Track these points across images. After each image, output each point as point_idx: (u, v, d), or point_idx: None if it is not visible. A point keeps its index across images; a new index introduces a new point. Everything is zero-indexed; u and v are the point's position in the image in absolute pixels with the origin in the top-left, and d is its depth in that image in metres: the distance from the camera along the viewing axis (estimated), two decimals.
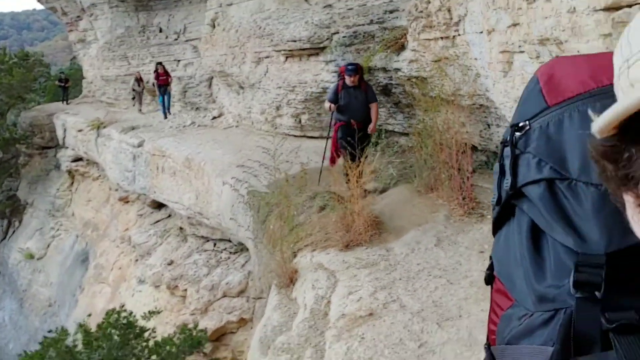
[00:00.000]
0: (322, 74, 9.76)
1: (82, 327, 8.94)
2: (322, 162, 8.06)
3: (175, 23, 20.36)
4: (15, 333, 19.69)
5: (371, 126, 7.55)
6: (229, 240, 12.14)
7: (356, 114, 7.35)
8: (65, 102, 24.48)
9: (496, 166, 0.83)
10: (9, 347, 19.70)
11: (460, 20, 6.24)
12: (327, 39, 9.61)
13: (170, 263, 13.09)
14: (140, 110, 18.38)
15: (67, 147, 21.26)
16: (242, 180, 9.20)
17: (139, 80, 18.27)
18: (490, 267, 0.88)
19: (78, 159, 20.83)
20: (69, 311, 17.64)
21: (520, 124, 0.78)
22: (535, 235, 0.75)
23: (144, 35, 20.71)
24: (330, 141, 7.92)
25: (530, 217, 0.76)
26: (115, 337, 8.86)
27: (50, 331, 10.22)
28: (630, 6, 3.07)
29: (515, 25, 4.52)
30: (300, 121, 10.53)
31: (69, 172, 21.52)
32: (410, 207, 6.18)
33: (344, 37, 9.27)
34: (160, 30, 20.84)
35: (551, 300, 0.70)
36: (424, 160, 6.60)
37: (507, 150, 0.79)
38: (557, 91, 0.76)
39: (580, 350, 0.65)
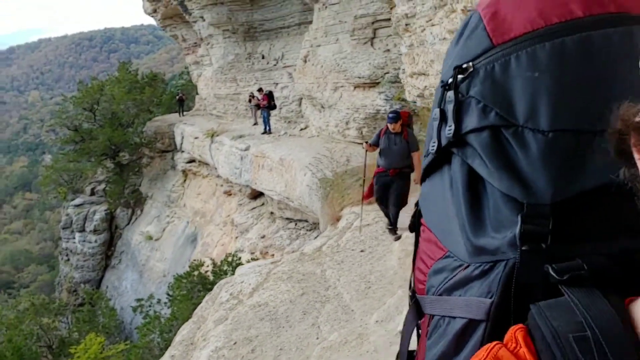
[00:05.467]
0: (377, 100, 14.78)
1: (212, 261, 14.40)
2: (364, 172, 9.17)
3: (275, 51, 25.91)
4: (135, 297, 25.77)
5: (415, 177, 7.86)
6: (306, 221, 17.25)
7: (394, 161, 7.71)
8: (181, 114, 30.85)
9: (435, 111, 0.81)
10: (130, 308, 25.89)
11: None
12: (381, 76, 14.63)
13: (263, 237, 18.44)
14: (256, 123, 23.06)
15: (183, 151, 27.40)
16: (317, 170, 14.33)
17: (251, 98, 23.47)
18: (415, 215, 0.90)
19: (191, 161, 26.89)
20: None
21: (464, 66, 0.75)
22: (473, 185, 0.74)
23: (250, 61, 26.44)
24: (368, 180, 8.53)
25: (468, 167, 0.75)
26: (230, 272, 14.17)
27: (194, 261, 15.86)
28: None
29: None
30: (361, 132, 15.52)
31: (183, 171, 27.67)
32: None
33: (391, 76, 14.23)
34: (263, 57, 26.47)
35: (491, 253, 0.69)
36: None
37: (450, 94, 0.77)
38: (502, 29, 0.72)
39: (520, 302, 0.66)
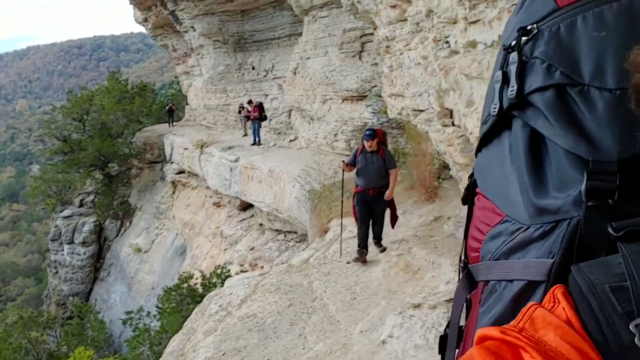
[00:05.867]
0: (364, 113, 15.05)
1: (202, 274, 14.56)
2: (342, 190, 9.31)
3: (265, 62, 26.17)
4: (124, 310, 25.79)
5: (387, 192, 7.83)
6: (295, 232, 17.45)
7: (372, 180, 7.75)
8: (171, 124, 31.01)
9: (497, 74, 0.82)
10: (119, 321, 25.90)
11: None
12: (369, 90, 14.91)
13: (252, 249, 18.62)
14: (246, 134, 23.28)
15: (172, 162, 27.56)
16: (305, 183, 14.55)
17: (241, 109, 23.72)
18: (469, 187, 0.92)
19: (181, 172, 27.05)
20: None
21: (528, 27, 0.76)
22: (535, 147, 0.75)
23: (240, 72, 26.68)
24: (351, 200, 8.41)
25: (529, 129, 0.76)
26: (219, 284, 14.33)
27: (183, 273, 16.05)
28: None
29: None
30: (350, 145, 15.77)
31: (173, 182, 27.82)
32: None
33: (378, 89, 14.51)
34: (253, 68, 26.72)
35: (553, 212, 0.70)
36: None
37: (513, 56, 0.78)
38: None
39: (582, 262, 0.65)
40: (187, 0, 25.24)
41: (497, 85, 0.81)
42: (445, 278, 6.16)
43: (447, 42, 5.70)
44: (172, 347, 7.42)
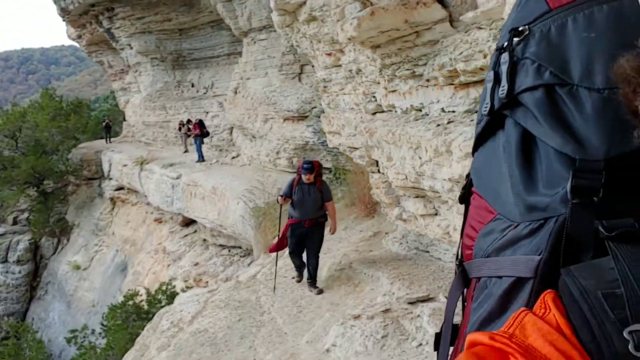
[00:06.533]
0: (305, 133, 15.80)
1: (147, 290, 14.90)
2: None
3: (205, 80, 26.58)
4: (64, 329, 25.54)
5: (332, 227, 8.09)
6: (240, 247, 17.98)
7: (308, 212, 7.78)
8: (108, 140, 30.92)
9: (489, 74, 0.84)
10: (58, 339, 25.63)
11: None
12: (309, 110, 15.67)
13: (196, 264, 19.01)
14: (187, 150, 23.70)
15: (111, 179, 27.55)
16: (249, 201, 15.14)
17: (181, 126, 24.12)
18: (465, 186, 0.95)
19: (120, 188, 27.07)
20: None
21: (520, 28, 0.79)
22: (526, 146, 0.77)
23: (179, 89, 27.00)
24: (281, 232, 8.26)
25: (521, 128, 0.78)
26: (164, 300, 14.71)
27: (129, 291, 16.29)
28: None
29: None
30: (292, 162, 16.47)
31: (111, 199, 27.78)
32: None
33: (318, 110, 15.29)
34: (192, 85, 27.09)
35: (542, 209, 0.72)
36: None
37: (505, 56, 0.81)
38: None
39: (569, 260, 0.67)
40: (123, 18, 25.43)
41: (489, 85, 0.84)
42: (382, 290, 6.92)
43: (374, 96, 6.69)
44: None
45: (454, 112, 5.39)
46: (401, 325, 5.60)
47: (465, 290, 0.91)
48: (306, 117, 15.86)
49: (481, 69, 4.67)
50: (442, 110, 5.56)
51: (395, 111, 6.37)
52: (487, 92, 0.85)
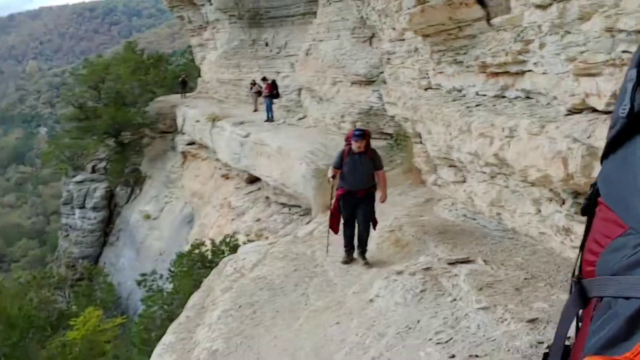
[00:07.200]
0: (371, 98, 16.20)
1: (212, 242, 15.89)
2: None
3: (279, 39, 27.12)
4: (132, 273, 27.28)
5: (382, 195, 7.90)
6: (300, 207, 18.70)
7: (359, 182, 7.66)
8: (183, 95, 32.16)
9: (631, 72, 0.77)
10: (127, 283, 27.43)
11: None
12: (377, 75, 16.00)
13: (258, 220, 19.90)
14: (256, 109, 24.52)
15: (184, 133, 28.78)
16: (311, 162, 15.75)
17: (252, 85, 24.92)
18: (590, 197, 0.86)
19: (191, 143, 28.26)
20: None
21: None
22: None
23: (254, 48, 27.68)
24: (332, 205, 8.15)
25: None
26: (227, 251, 15.62)
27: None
28: None
29: None
30: (355, 126, 16.92)
31: (183, 153, 29.07)
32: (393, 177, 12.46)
33: (384, 75, 15.61)
34: (267, 45, 27.70)
35: None
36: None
37: None
38: None
39: None
40: None
41: (630, 85, 0.78)
42: (427, 252, 7.38)
43: (427, 73, 7.49)
44: (193, 302, 8.71)
45: (485, 95, 6.27)
46: (439, 282, 6.06)
47: (580, 310, 0.85)
48: (373, 82, 16.20)
49: (505, 63, 5.57)
50: (477, 93, 6.47)
51: (441, 90, 7.26)
52: (627, 93, 0.78)
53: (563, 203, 5.38)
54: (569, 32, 4.72)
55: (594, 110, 4.69)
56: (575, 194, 5.15)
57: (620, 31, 4.05)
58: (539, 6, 5.01)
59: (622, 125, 0.78)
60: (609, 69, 4.28)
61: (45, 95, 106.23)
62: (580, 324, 0.85)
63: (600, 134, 4.35)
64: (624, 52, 4.10)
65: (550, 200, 5.61)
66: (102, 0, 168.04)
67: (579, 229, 5.07)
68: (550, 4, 4.82)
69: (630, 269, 0.70)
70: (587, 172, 4.44)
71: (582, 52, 4.52)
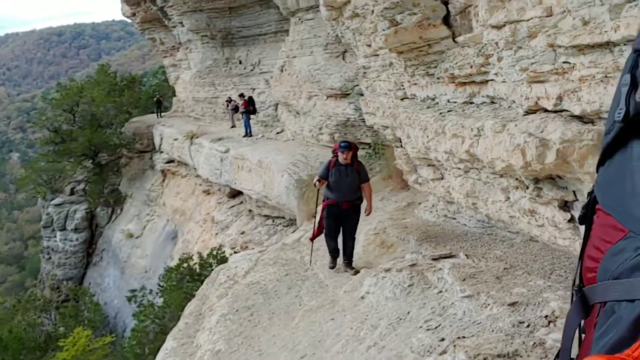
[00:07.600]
0: (347, 110, 16.78)
1: (199, 255, 16.27)
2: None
3: (252, 57, 27.66)
4: (118, 293, 27.42)
5: (367, 208, 8.07)
6: (283, 218, 19.17)
7: (345, 194, 7.78)
8: (159, 115, 32.48)
9: (625, 78, 0.76)
10: (113, 302, 27.55)
11: None
12: (351, 88, 16.61)
13: (242, 233, 20.32)
14: (234, 125, 24.91)
15: (162, 152, 29.08)
16: (293, 173, 16.25)
17: (228, 102, 25.38)
18: (587, 205, 0.85)
19: (170, 161, 28.59)
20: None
21: None
22: None
23: (228, 67, 28.17)
24: (318, 218, 8.39)
25: None
26: (215, 264, 16.00)
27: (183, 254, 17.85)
28: None
29: None
30: (333, 137, 17.47)
31: (162, 171, 29.37)
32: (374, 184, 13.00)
33: (360, 88, 16.21)
34: (240, 62, 28.21)
35: None
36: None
37: None
38: None
39: None
40: None
41: (624, 89, 0.78)
42: (411, 250, 7.92)
43: (402, 85, 8.36)
44: (190, 310, 9.13)
45: (455, 102, 7.17)
46: (425, 276, 6.58)
47: (583, 320, 0.84)
48: (348, 94, 16.80)
49: (470, 74, 6.48)
50: (448, 101, 7.34)
51: (416, 99, 8.17)
52: (622, 97, 0.78)
53: (527, 189, 5.99)
54: (521, 48, 5.49)
55: (545, 110, 5.38)
56: (536, 180, 5.78)
57: (559, 46, 4.79)
58: (495, 26, 5.84)
59: (618, 129, 0.79)
60: (553, 76, 5.04)
61: (16, 120, 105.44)
62: (583, 335, 0.85)
63: (551, 128, 5.05)
64: (564, 62, 4.87)
65: (517, 188, 6.24)
66: (69, 25, 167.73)
67: (543, 210, 5.72)
68: (504, 25, 5.64)
69: (632, 272, 0.71)
70: (541, 160, 5.09)
71: (532, 64, 5.27)
